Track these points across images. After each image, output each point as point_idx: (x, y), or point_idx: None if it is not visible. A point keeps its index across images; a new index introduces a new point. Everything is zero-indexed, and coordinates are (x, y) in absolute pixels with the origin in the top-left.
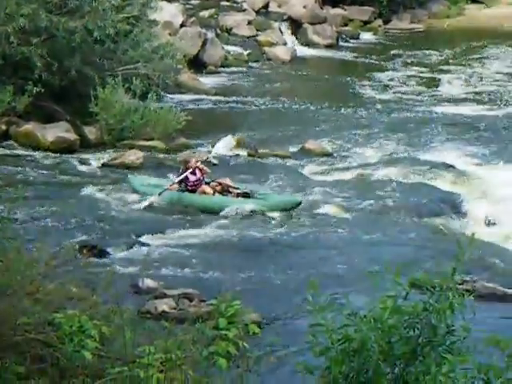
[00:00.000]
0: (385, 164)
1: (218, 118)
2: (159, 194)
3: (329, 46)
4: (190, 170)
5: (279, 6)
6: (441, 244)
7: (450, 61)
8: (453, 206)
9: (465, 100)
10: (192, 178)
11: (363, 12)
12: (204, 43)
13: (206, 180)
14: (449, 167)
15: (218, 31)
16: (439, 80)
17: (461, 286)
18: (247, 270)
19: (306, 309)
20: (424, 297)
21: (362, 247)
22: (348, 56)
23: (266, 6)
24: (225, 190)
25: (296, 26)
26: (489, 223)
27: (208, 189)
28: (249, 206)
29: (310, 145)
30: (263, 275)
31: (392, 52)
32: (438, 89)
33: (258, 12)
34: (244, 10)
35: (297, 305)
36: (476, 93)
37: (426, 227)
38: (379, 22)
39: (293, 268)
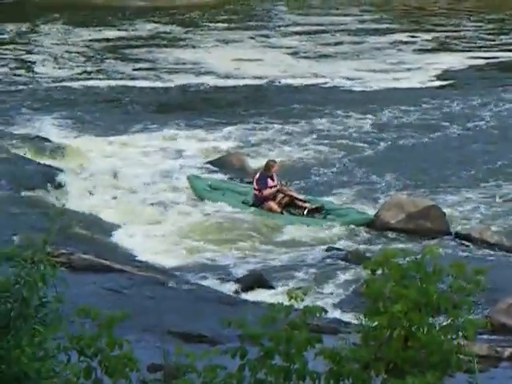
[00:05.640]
0: None
1: None
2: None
3: None
4: (271, 174)
5: None
6: (37, 217)
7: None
8: (50, 178)
9: (63, 79)
10: (271, 183)
11: None
12: None
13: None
14: (45, 140)
15: None
16: (35, 61)
17: (57, 259)
18: None
19: None
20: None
21: None
22: None
23: None
24: (292, 203)
25: None
26: (89, 194)
27: (275, 206)
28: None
29: None
30: None
31: None
32: (37, 69)
33: None
34: None
35: None
36: (76, 72)
37: (22, 201)
38: None
39: None
